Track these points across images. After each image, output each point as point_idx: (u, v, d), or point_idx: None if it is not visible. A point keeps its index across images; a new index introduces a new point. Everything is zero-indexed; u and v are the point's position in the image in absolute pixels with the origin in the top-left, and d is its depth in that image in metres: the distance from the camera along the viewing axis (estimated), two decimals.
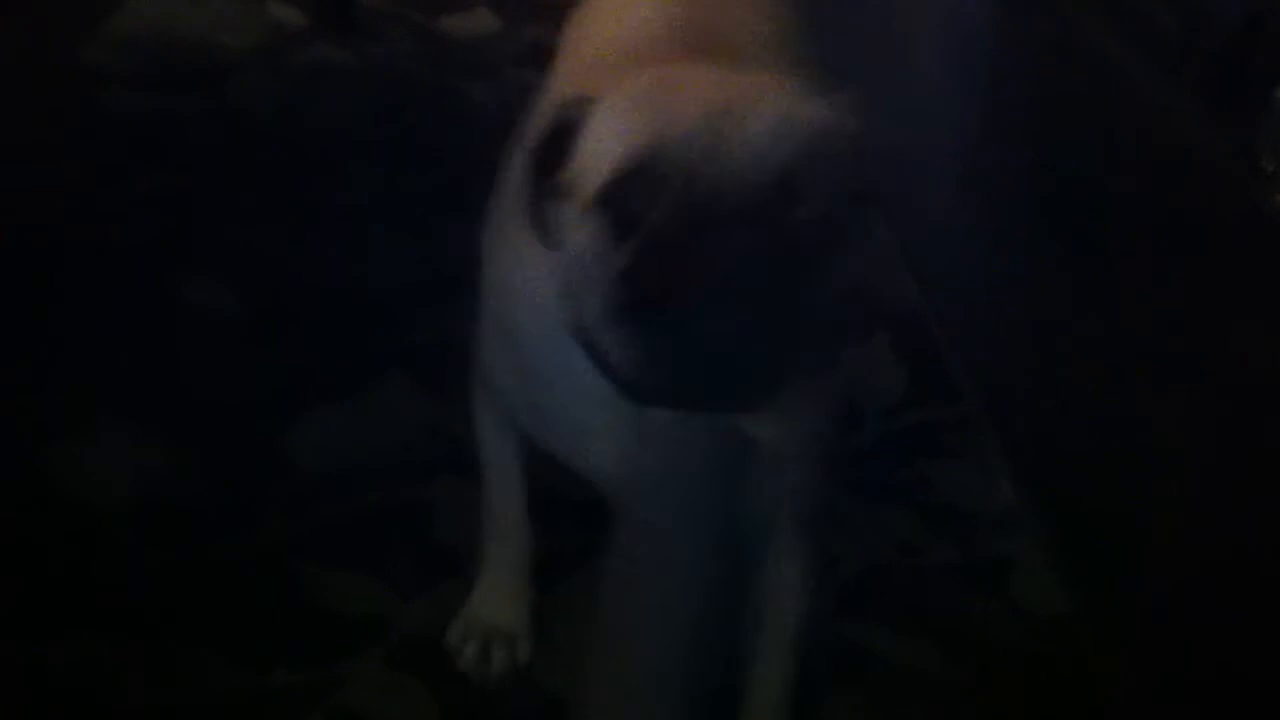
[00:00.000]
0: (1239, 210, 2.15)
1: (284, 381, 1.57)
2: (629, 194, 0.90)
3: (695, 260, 0.85)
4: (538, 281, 1.03)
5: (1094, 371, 1.74)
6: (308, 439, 1.50)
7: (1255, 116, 2.20)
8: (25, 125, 1.91)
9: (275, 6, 2.50)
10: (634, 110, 0.93)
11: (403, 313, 1.71)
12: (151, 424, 1.49)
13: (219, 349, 1.62)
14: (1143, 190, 2.20)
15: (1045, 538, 1.46)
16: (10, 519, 1.35)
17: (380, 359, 1.62)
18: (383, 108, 2.18)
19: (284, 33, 2.40)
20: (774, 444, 1.05)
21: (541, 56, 2.41)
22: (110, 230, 1.78)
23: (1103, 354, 1.77)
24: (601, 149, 0.93)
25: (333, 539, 1.38)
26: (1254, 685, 1.36)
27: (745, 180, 0.88)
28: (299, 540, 1.37)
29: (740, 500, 1.05)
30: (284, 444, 1.49)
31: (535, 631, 1.32)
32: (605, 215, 0.92)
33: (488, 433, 1.29)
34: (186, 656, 1.25)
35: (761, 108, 0.91)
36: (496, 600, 1.32)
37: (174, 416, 1.51)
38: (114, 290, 1.68)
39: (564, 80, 1.21)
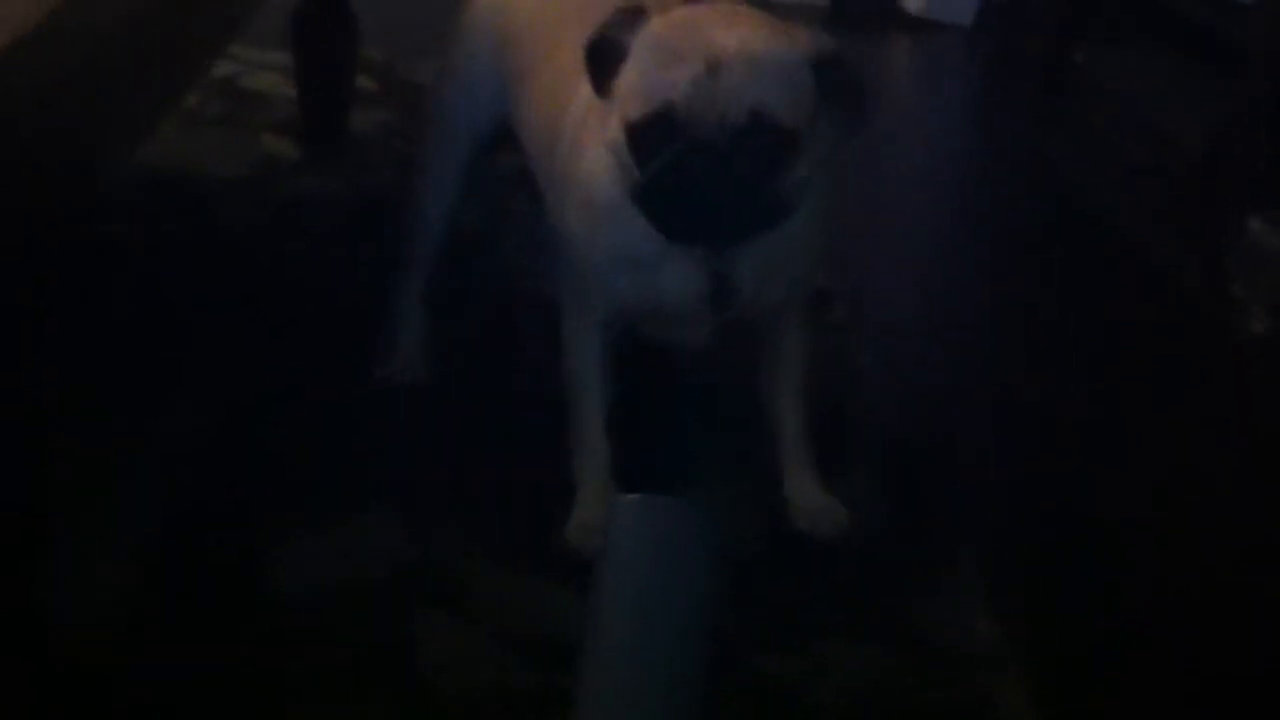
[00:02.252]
0: (1212, 336, 2.18)
1: (265, 510, 1.57)
2: (647, 134, 1.35)
3: (690, 185, 1.34)
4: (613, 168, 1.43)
5: (1083, 508, 1.74)
6: (288, 568, 1.49)
7: (1224, 242, 2.24)
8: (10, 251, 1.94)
9: (268, 138, 2.55)
10: (657, 62, 1.35)
11: (390, 442, 1.72)
12: (126, 550, 1.48)
13: (202, 475, 1.62)
14: (1114, 316, 2.23)
15: (1027, 676, 1.43)
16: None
17: (363, 489, 1.62)
18: (371, 235, 2.22)
19: (274, 163, 2.46)
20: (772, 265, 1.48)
21: (528, 181, 2.48)
22: (88, 355, 1.80)
23: (1086, 488, 1.78)
24: (633, 88, 1.36)
25: (311, 673, 1.35)
26: None
27: (727, 123, 1.32)
28: (277, 673, 1.35)
29: (711, 583, 1.16)
30: (265, 573, 1.48)
31: None
32: (631, 141, 1.36)
33: (578, 349, 1.57)
34: None
35: (742, 57, 1.32)
36: (597, 501, 1.52)
37: (150, 542, 1.50)
38: (91, 415, 1.69)
39: None
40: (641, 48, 1.37)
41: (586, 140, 1.48)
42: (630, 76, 1.37)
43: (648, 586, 1.11)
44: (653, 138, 1.34)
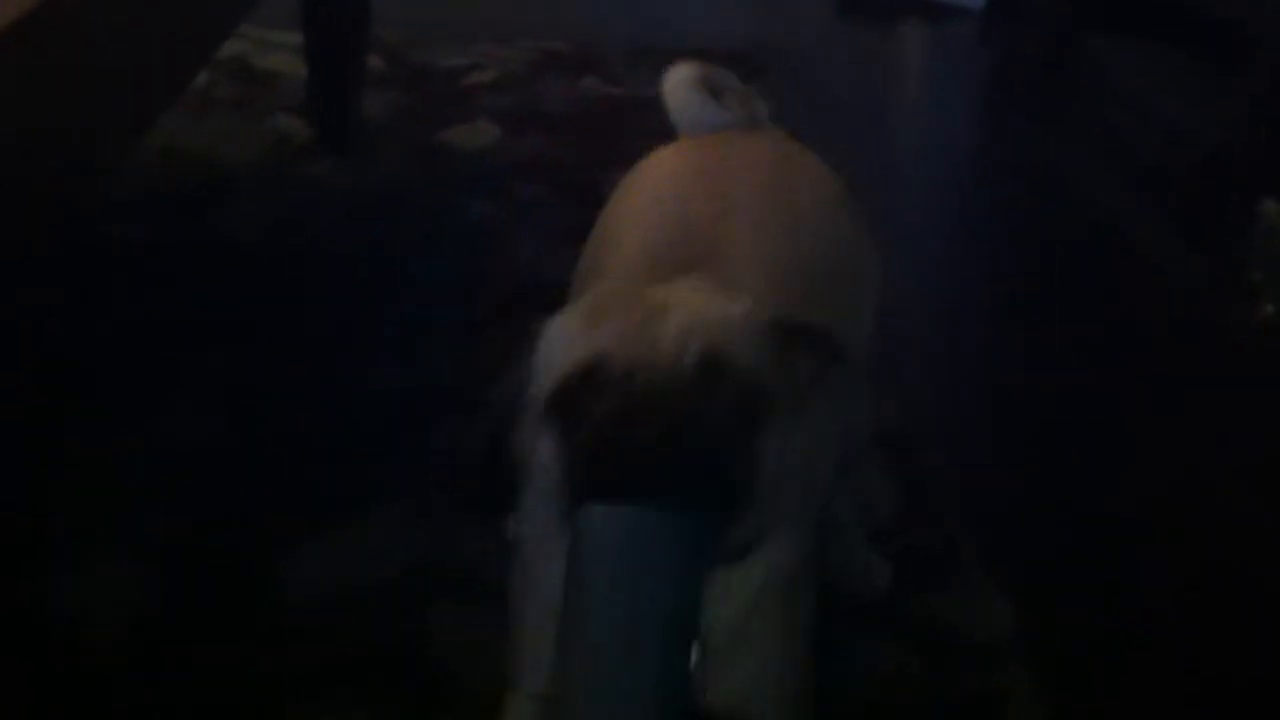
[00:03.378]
0: (1222, 326, 2.17)
1: (275, 510, 1.56)
2: (573, 399, 1.05)
3: (633, 447, 1.01)
4: None
5: (1090, 499, 1.73)
6: (300, 568, 1.48)
7: (1239, 229, 2.23)
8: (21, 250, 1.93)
9: (281, 119, 2.54)
10: (574, 325, 1.08)
11: (397, 438, 1.71)
12: (140, 555, 1.47)
13: (210, 477, 1.61)
14: (1126, 309, 2.22)
15: (1041, 667, 1.44)
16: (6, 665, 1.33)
17: (374, 486, 1.61)
18: (381, 224, 2.21)
19: (287, 146, 2.45)
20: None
21: (541, 167, 2.48)
22: (99, 357, 1.79)
23: (1098, 480, 1.77)
24: (550, 361, 1.08)
25: (325, 673, 1.35)
26: None
27: (668, 373, 1.03)
28: (290, 674, 1.35)
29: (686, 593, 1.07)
30: (276, 573, 1.47)
31: None
32: (557, 420, 1.07)
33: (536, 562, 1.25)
34: None
35: (679, 309, 1.06)
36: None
37: (163, 547, 1.49)
38: (103, 418, 1.68)
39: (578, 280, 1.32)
40: (560, 322, 1.11)
41: None
42: (546, 352, 1.10)
43: (619, 598, 1.05)
44: (583, 399, 1.05)
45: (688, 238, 1.25)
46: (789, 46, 3.15)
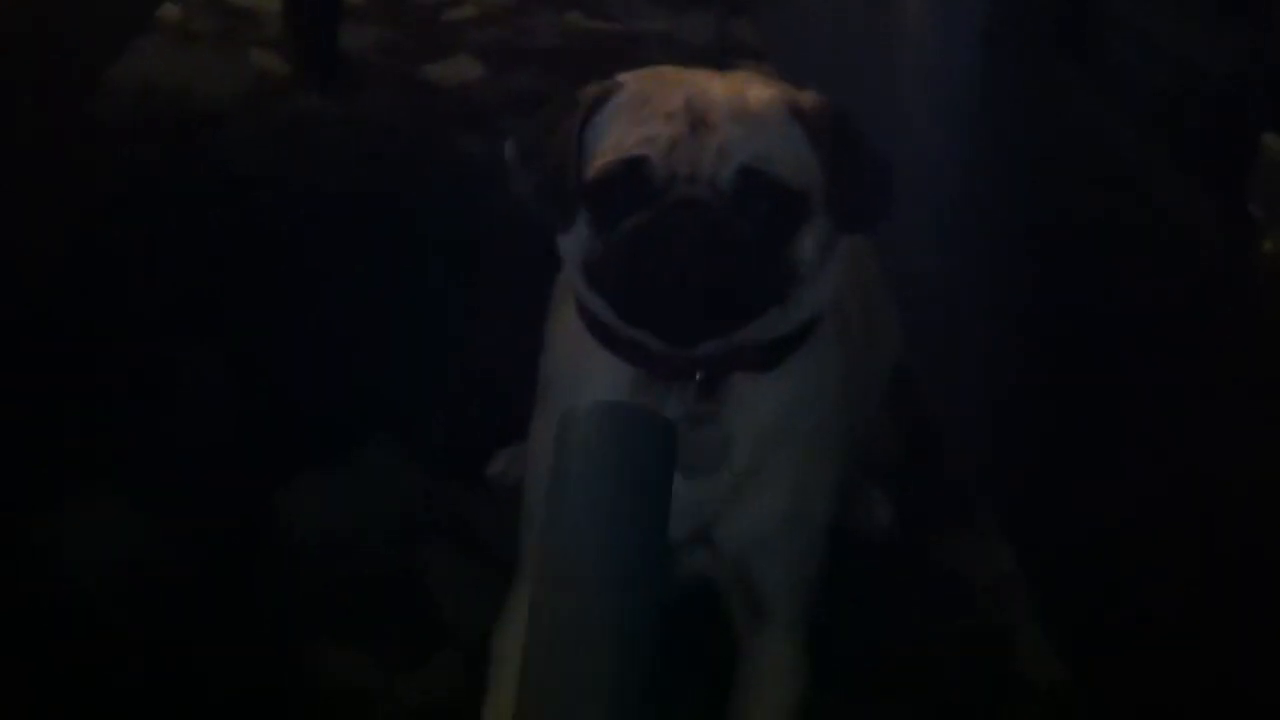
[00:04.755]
0: (1227, 264, 2.15)
1: (271, 449, 1.55)
2: (614, 192, 1.07)
3: (654, 253, 1.05)
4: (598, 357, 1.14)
5: (1092, 437, 1.72)
6: (297, 507, 1.47)
7: (1240, 164, 2.21)
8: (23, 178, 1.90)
9: (258, 54, 2.49)
10: (622, 115, 1.10)
11: (392, 376, 1.68)
12: (138, 494, 1.46)
13: (204, 415, 1.59)
14: (1131, 246, 2.21)
15: (1044, 605, 1.44)
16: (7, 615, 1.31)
17: (369, 424, 1.59)
18: (368, 160, 2.17)
19: (267, 82, 2.40)
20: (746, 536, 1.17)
21: (527, 102, 2.43)
22: (94, 297, 1.76)
23: (1101, 418, 1.76)
24: (601, 144, 1.09)
25: (323, 611, 1.35)
26: None
27: (709, 188, 1.06)
28: (289, 613, 1.34)
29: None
30: (273, 512, 1.46)
31: None
32: (590, 204, 1.08)
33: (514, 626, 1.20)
34: None
35: (727, 114, 1.08)
36: None
37: (161, 486, 1.48)
38: (97, 356, 1.66)
39: None
40: (610, 108, 1.12)
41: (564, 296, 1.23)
42: (598, 141, 1.10)
43: (603, 490, 1.02)
44: (622, 196, 1.07)
45: None
46: None
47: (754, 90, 1.11)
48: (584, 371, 1.17)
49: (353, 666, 1.30)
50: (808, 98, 1.11)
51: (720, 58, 2.56)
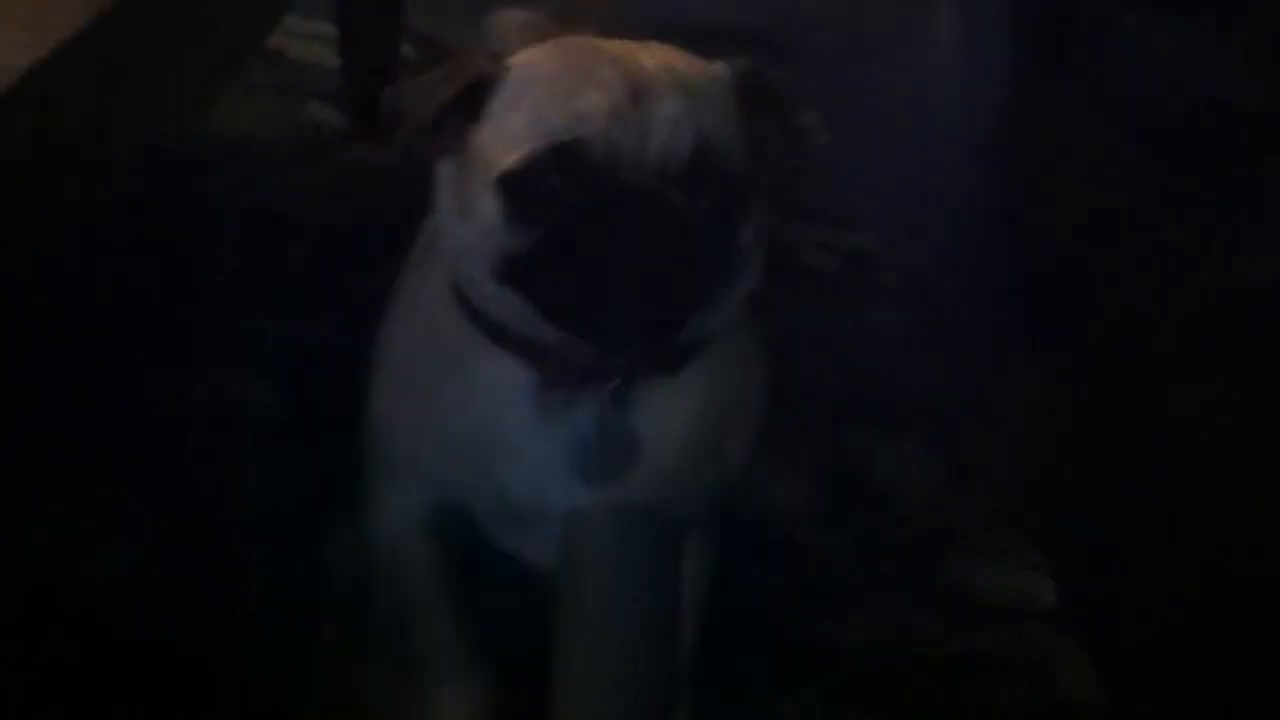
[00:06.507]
0: (1226, 283, 2.18)
1: (321, 481, 1.55)
2: (538, 184, 0.95)
3: (596, 249, 0.93)
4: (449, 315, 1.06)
5: (1131, 464, 1.74)
6: (345, 539, 1.45)
7: (1241, 188, 2.25)
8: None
9: (315, 107, 2.59)
10: (550, 92, 0.97)
11: None
12: (185, 525, 1.47)
13: (249, 447, 1.61)
14: (1131, 266, 2.23)
15: (1086, 637, 1.44)
16: (37, 632, 1.32)
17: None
18: (416, 202, 2.24)
19: (322, 134, 2.50)
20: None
21: None
22: (139, 327, 1.81)
23: (1140, 450, 1.78)
24: (511, 130, 0.97)
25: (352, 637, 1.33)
26: None
27: (656, 173, 0.94)
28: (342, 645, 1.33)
29: (674, 585, 1.10)
30: (309, 541, 1.46)
31: None
32: (508, 194, 0.97)
33: (402, 562, 1.20)
34: None
35: (670, 84, 0.96)
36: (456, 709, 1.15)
37: (208, 518, 1.49)
38: (146, 386, 1.70)
39: None
40: (519, 80, 0.99)
41: (419, 270, 1.17)
42: (504, 119, 0.98)
43: (613, 591, 1.07)
44: (545, 188, 0.95)
45: None
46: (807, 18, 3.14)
47: (683, 59, 1.01)
48: (469, 371, 1.07)
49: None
50: (739, 64, 1.02)
51: None
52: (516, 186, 0.96)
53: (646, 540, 1.06)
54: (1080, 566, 1.55)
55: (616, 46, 1.00)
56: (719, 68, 1.02)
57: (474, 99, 1.00)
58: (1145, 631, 1.49)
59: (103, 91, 1.23)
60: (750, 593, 1.40)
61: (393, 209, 2.20)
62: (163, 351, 1.79)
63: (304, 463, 1.59)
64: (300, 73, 2.74)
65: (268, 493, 1.53)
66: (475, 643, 1.18)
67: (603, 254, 0.93)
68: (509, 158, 0.96)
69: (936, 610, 1.46)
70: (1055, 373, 1.95)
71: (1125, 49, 2.93)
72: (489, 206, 0.98)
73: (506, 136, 0.97)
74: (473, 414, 1.07)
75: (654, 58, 0.99)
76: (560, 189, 0.94)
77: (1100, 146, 2.69)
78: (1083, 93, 2.89)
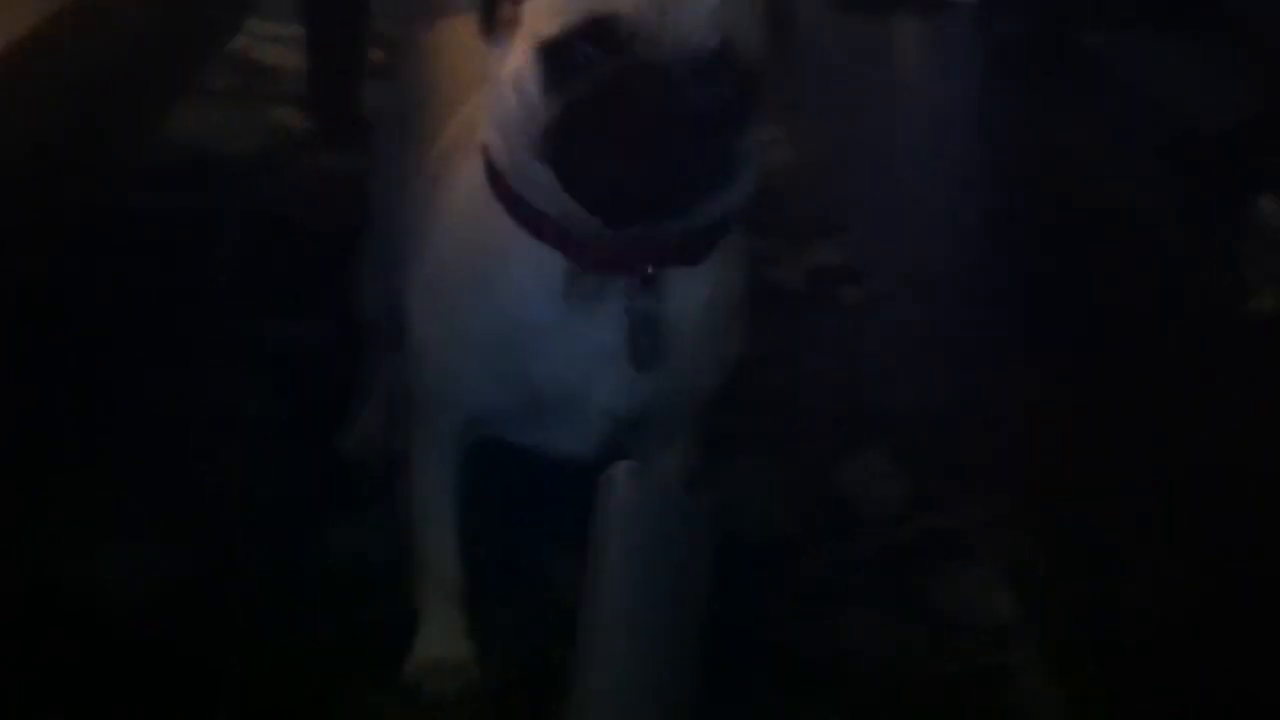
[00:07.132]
0: (1220, 314, 2.18)
1: (319, 481, 1.57)
2: (573, 54, 1.01)
3: (614, 121, 0.99)
4: (499, 231, 1.10)
5: (1094, 479, 1.74)
6: (345, 540, 1.48)
7: (1234, 222, 2.25)
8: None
9: (279, 111, 2.55)
10: None
11: None
12: (186, 529, 1.48)
13: (252, 449, 1.62)
14: (1125, 298, 2.23)
15: (1046, 650, 1.45)
16: (41, 633, 1.33)
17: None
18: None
19: (287, 138, 2.46)
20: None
21: None
22: (133, 330, 1.81)
23: (1103, 460, 1.78)
24: (554, 2, 1.03)
25: (375, 646, 1.35)
26: None
27: (690, 50, 1.00)
28: (340, 646, 1.35)
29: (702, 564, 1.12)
30: (323, 546, 1.48)
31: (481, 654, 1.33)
32: (546, 62, 1.02)
33: (427, 470, 1.29)
34: None
35: None
36: (442, 636, 1.32)
37: (209, 520, 1.50)
38: (122, 388, 1.69)
39: None
40: None
41: (449, 175, 1.19)
42: None
43: (645, 555, 1.10)
44: (580, 59, 1.01)
45: None
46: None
47: None
48: (505, 259, 1.11)
49: (384, 707, 1.31)
50: None
51: None
52: (553, 54, 1.01)
53: (675, 514, 1.09)
54: (1039, 581, 1.55)
55: None
56: None
57: None
58: (1144, 632, 1.50)
59: (54, 94, 1.19)
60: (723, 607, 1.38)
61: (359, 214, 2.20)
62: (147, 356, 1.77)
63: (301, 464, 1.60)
64: (262, 75, 2.70)
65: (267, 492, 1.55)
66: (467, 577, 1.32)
67: (619, 126, 0.99)
68: (549, 26, 1.02)
69: (897, 625, 1.47)
70: (1029, 389, 1.94)
71: (1097, 68, 2.94)
72: (529, 73, 1.03)
73: (550, 8, 1.03)
74: (507, 305, 1.11)
75: None
76: (592, 60, 1.00)
77: (1078, 161, 2.70)
78: (1057, 110, 2.89)
